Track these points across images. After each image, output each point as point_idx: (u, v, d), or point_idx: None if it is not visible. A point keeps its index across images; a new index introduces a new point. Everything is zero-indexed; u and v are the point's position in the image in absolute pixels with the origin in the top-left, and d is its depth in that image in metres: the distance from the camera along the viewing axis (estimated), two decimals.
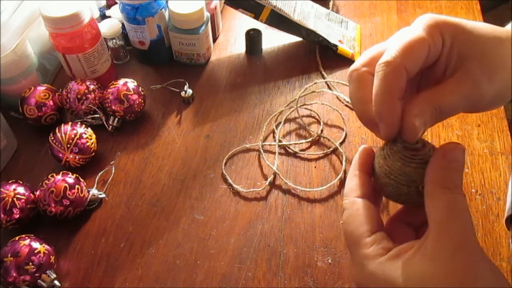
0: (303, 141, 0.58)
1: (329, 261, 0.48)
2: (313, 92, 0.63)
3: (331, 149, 0.57)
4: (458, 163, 0.29)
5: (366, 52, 0.34)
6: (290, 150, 0.58)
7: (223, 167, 0.57)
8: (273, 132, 0.60)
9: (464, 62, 0.31)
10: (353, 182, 0.33)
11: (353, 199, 0.32)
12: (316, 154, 0.57)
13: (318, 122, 0.60)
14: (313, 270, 0.47)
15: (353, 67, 0.34)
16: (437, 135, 0.58)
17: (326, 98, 0.63)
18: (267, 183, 0.54)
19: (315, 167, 0.56)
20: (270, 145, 0.58)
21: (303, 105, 0.62)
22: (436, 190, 0.29)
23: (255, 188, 0.54)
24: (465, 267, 0.26)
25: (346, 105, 0.62)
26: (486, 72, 0.31)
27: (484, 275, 0.26)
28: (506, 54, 0.32)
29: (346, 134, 0.59)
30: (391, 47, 0.31)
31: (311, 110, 0.62)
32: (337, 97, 0.63)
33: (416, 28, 0.31)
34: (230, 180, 0.55)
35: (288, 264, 0.48)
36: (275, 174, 0.55)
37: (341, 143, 0.58)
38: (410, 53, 0.30)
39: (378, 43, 0.34)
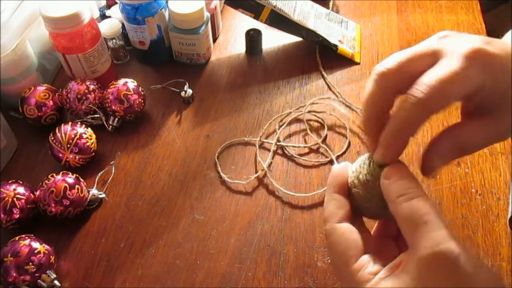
0: (302, 145, 0.58)
1: (329, 261, 0.48)
2: (322, 98, 0.63)
3: (328, 159, 0.57)
4: (397, 174, 0.29)
5: (398, 55, 0.30)
6: (287, 152, 0.58)
7: (216, 155, 0.57)
8: (275, 131, 0.60)
9: (502, 107, 0.30)
10: (331, 206, 0.32)
11: (333, 226, 0.31)
12: (312, 162, 0.57)
13: (323, 128, 0.60)
14: (313, 270, 0.47)
15: (382, 67, 0.30)
16: None
17: (335, 108, 0.62)
18: (253, 177, 0.55)
19: (313, 167, 0.56)
20: (268, 143, 0.58)
21: (312, 111, 0.61)
22: (394, 207, 0.29)
23: (241, 180, 0.55)
24: (442, 277, 0.25)
25: (354, 111, 0.62)
26: None
27: (467, 277, 0.25)
28: None
29: (349, 144, 0.58)
30: (419, 81, 0.28)
31: (318, 117, 0.61)
32: (345, 104, 0.62)
33: (452, 59, 0.28)
34: (219, 168, 0.56)
35: (288, 264, 0.48)
36: (264, 171, 0.55)
37: (340, 156, 0.57)
38: (440, 95, 0.27)
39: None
